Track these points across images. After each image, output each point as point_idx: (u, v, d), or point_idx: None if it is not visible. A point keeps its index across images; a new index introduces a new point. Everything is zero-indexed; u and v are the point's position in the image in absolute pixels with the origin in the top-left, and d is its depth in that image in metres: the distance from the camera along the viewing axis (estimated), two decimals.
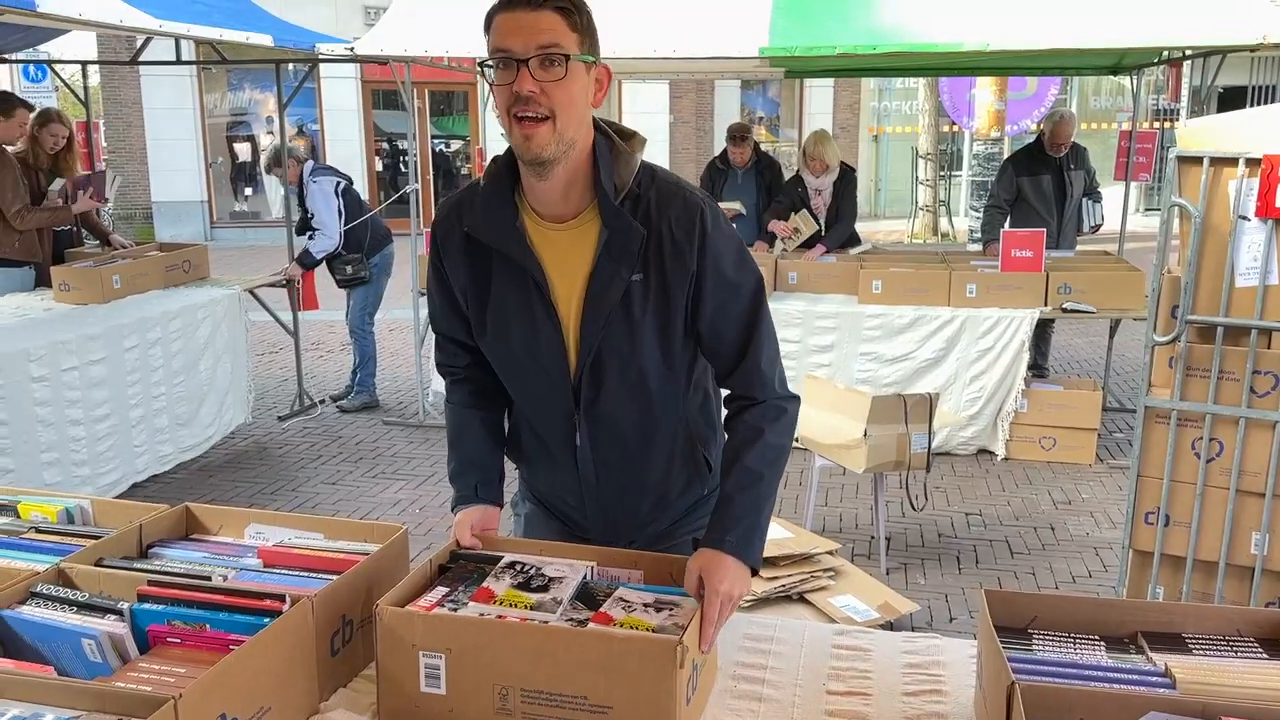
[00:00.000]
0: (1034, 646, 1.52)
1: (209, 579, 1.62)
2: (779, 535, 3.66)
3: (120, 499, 2.28)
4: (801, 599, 3.44)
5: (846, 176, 6.47)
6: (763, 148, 7.18)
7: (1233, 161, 2.92)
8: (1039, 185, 6.46)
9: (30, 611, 1.50)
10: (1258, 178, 2.86)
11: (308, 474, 5.44)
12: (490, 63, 1.54)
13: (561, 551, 1.73)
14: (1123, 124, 15.36)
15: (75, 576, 1.60)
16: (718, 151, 7.18)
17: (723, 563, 1.59)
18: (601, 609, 1.54)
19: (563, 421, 1.77)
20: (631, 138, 1.68)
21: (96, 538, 1.76)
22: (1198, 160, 2.98)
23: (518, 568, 1.65)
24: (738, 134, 6.88)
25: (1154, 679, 1.41)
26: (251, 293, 6.08)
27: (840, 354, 5.63)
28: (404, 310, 8.76)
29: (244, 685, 1.37)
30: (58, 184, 5.66)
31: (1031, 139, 7.55)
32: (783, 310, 5.66)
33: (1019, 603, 1.60)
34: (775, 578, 3.43)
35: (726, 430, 1.78)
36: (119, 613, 1.49)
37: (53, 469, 4.46)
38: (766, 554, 3.44)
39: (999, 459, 5.50)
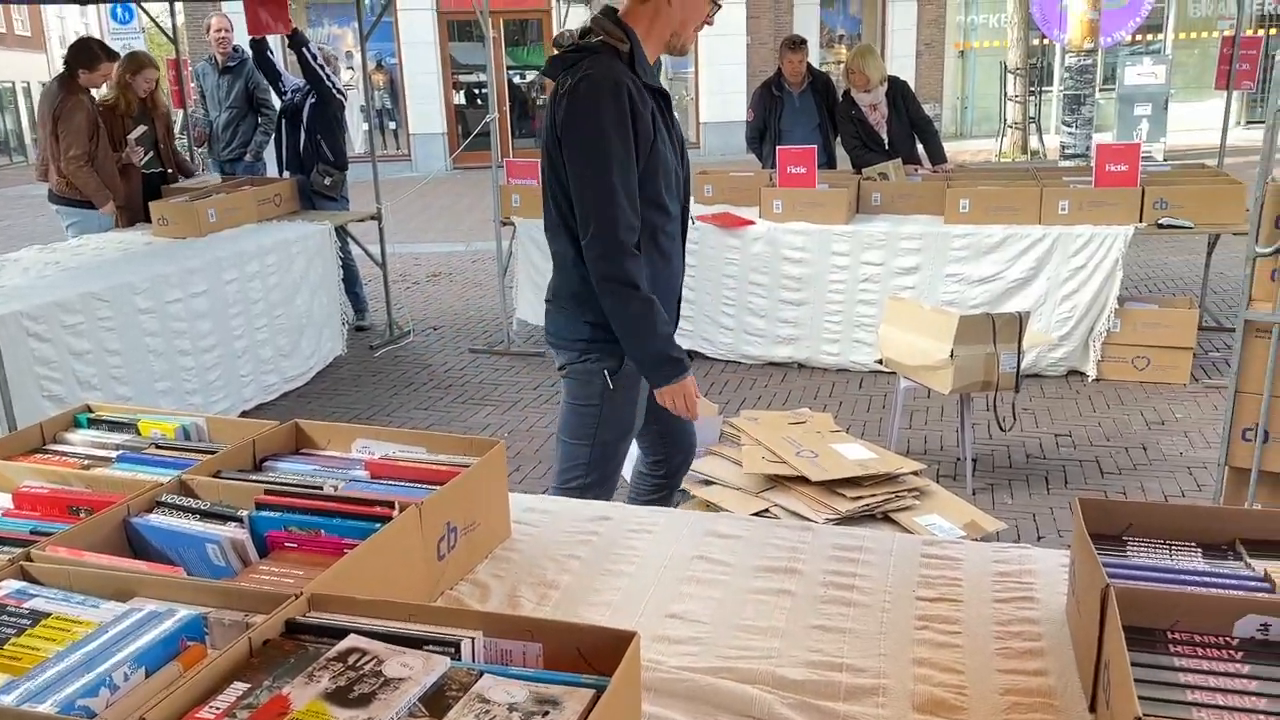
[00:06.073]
0: (1128, 553, 1.52)
1: (320, 489, 1.71)
2: (862, 455, 3.66)
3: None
4: (886, 518, 3.45)
5: (897, 85, 6.35)
6: (845, 66, 7.00)
7: None
8: None
9: (157, 519, 1.60)
10: None
11: (401, 400, 5.60)
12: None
13: (440, 618, 1.25)
14: (1224, 31, 14.57)
15: (196, 487, 1.70)
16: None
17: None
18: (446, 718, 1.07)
19: None
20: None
21: (212, 452, 1.86)
22: None
23: (351, 660, 1.17)
24: (793, 42, 6.69)
25: (1253, 583, 1.39)
26: (341, 228, 6.21)
27: (925, 276, 5.54)
28: (487, 242, 8.87)
29: (361, 585, 1.45)
30: (138, 131, 5.79)
31: (1125, 50, 7.26)
32: (865, 232, 5.58)
33: (1114, 511, 1.59)
34: (859, 497, 3.43)
35: None
36: (239, 519, 1.58)
37: (167, 397, 4.66)
38: (850, 475, 3.49)
39: (1090, 380, 5.39)
